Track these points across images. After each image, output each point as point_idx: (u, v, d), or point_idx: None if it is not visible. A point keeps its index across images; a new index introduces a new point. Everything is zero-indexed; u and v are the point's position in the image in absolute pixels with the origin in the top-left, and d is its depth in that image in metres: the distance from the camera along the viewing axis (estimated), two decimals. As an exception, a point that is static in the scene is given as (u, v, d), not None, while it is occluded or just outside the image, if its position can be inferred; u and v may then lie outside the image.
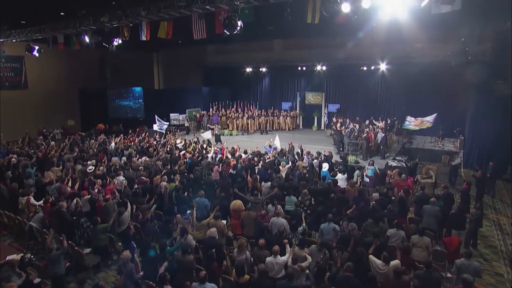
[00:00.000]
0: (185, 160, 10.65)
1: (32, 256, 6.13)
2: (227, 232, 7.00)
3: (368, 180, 9.40)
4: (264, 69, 20.52)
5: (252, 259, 5.79)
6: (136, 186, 8.53)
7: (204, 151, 12.01)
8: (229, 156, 11.18)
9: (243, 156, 11.14)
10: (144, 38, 9.70)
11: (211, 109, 19.91)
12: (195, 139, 13.92)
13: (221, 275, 5.55)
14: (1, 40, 11.94)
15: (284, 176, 9.31)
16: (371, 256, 5.40)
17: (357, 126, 14.92)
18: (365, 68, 17.70)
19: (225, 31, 7.32)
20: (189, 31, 8.90)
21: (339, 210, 7.36)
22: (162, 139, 14.42)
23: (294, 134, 18.10)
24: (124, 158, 10.39)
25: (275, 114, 19.65)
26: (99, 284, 4.89)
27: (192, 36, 9.03)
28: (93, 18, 8.84)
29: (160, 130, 16.02)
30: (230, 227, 7.43)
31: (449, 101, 15.34)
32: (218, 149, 12.10)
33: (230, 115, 19.37)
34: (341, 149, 13.75)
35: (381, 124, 15.07)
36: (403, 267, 5.17)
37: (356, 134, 13.56)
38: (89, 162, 9.90)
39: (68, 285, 5.82)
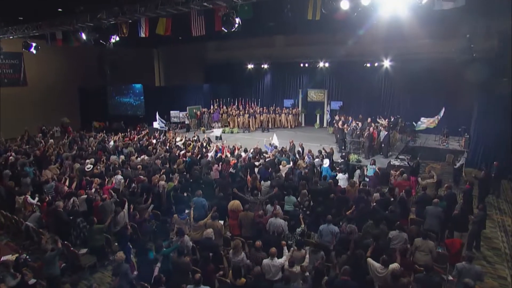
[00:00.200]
0: (184, 159, 10.55)
1: (27, 257, 6.09)
2: (224, 233, 6.91)
3: (368, 180, 9.25)
4: (265, 66, 20.31)
5: (248, 260, 5.69)
6: (133, 185, 8.45)
7: (204, 150, 11.90)
8: (229, 155, 11.07)
9: (243, 154, 11.02)
10: (143, 35, 9.58)
11: (212, 106, 19.77)
12: (195, 137, 13.82)
13: (217, 277, 5.46)
14: (-2, 36, 11.83)
15: (284, 175, 9.18)
16: (369, 259, 5.29)
17: (360, 124, 14.72)
18: (368, 65, 17.43)
19: (223, 28, 7.17)
20: (189, 28, 8.78)
21: (339, 211, 7.24)
22: (161, 136, 14.31)
23: (296, 132, 17.95)
24: (122, 157, 10.30)
25: (276, 112, 19.47)
26: (93, 287, 4.84)
27: (191, 33, 8.91)
28: (90, 14, 8.73)
29: (160, 128, 15.96)
30: (228, 228, 7.34)
31: (454, 99, 15.04)
32: (219, 148, 11.97)
33: (231, 113, 19.23)
34: (343, 147, 13.60)
35: (384, 122, 14.84)
36: (401, 268, 5.06)
37: (358, 132, 13.39)
38: (87, 161, 9.83)
39: (63, 286, 5.78)
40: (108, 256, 6.76)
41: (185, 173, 9.36)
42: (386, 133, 12.71)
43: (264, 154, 11.07)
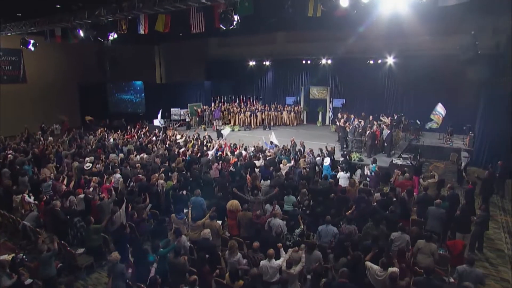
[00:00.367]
0: (183, 157, 10.47)
1: (24, 256, 6.06)
2: (223, 233, 6.84)
3: (369, 179, 9.12)
4: (267, 63, 20.12)
5: (245, 261, 5.62)
6: (132, 184, 8.39)
7: (204, 148, 11.80)
8: (229, 153, 10.98)
9: (243, 153, 10.92)
10: (142, 32, 9.50)
11: (213, 104, 19.64)
12: (196, 135, 13.73)
13: (213, 278, 5.38)
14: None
15: (284, 174, 9.07)
16: (367, 262, 5.19)
17: (362, 122, 14.55)
18: (371, 62, 17.21)
19: (221, 25, 7.06)
20: (188, 25, 8.68)
21: (339, 211, 7.13)
22: (161, 134, 14.22)
23: (298, 130, 17.81)
24: (121, 155, 10.25)
25: (278, 109, 19.31)
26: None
27: (190, 30, 8.81)
28: (88, 11, 8.65)
29: (161, 125, 15.89)
30: (227, 227, 7.26)
31: (459, 96, 14.77)
32: (221, 145, 11.85)
33: (232, 110, 19.11)
34: (345, 146, 13.45)
35: (387, 120, 14.64)
36: (398, 269, 4.98)
37: (360, 130, 13.22)
38: (86, 159, 9.78)
39: (59, 286, 5.74)
40: (105, 256, 6.68)
41: (184, 172, 9.27)
42: (389, 131, 12.54)
43: (266, 153, 10.95)
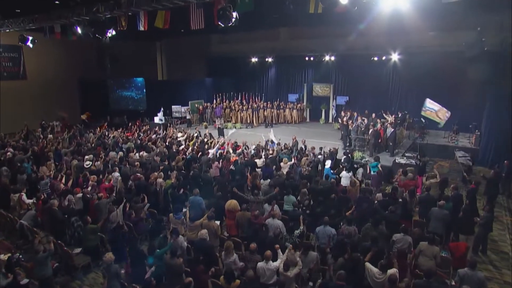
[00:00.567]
0: (183, 156, 10.38)
1: (20, 256, 6.02)
2: (221, 233, 6.75)
3: (371, 178, 8.97)
4: (269, 59, 19.92)
5: (242, 263, 5.54)
6: (130, 182, 8.32)
7: (206, 146, 11.70)
8: (231, 151, 10.88)
9: (245, 151, 10.81)
10: (142, 28, 9.38)
11: (214, 101, 19.50)
12: (197, 133, 13.63)
13: (209, 278, 5.30)
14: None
15: (285, 173, 8.95)
16: (367, 264, 5.09)
17: (365, 120, 14.34)
18: (375, 59, 16.96)
19: (219, 23, 6.92)
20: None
21: (339, 211, 7.01)
22: (161, 132, 14.13)
23: (300, 128, 17.65)
24: (121, 153, 10.19)
25: (281, 107, 19.13)
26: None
27: (189, 26, 8.68)
28: (86, 8, 8.55)
29: (161, 122, 15.79)
30: (225, 228, 7.18)
31: (465, 94, 14.47)
32: (223, 143, 11.73)
33: (234, 107, 18.96)
34: (347, 144, 13.29)
35: (391, 118, 14.40)
36: (396, 269, 4.90)
37: (363, 129, 13.03)
38: (86, 157, 9.72)
39: (56, 286, 5.70)
40: (102, 256, 6.64)
41: (183, 170, 9.19)
42: (393, 130, 12.33)
43: (267, 151, 10.82)
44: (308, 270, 5.40)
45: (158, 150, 10.66)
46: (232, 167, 9.51)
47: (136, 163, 9.32)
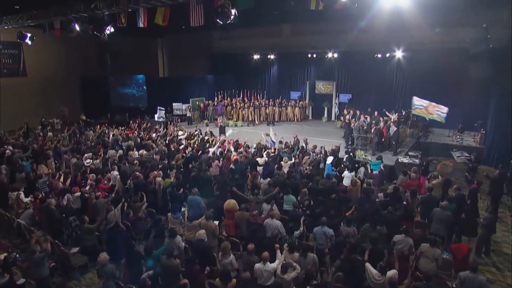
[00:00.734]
0: (183, 154, 10.29)
1: (17, 255, 5.98)
2: (219, 233, 6.68)
3: (373, 178, 8.84)
4: (272, 56, 19.76)
5: (238, 264, 5.46)
6: (129, 181, 8.26)
7: (206, 144, 11.60)
8: (232, 149, 10.78)
9: (244, 152, 10.69)
10: (141, 25, 9.31)
11: (216, 99, 19.37)
12: (197, 131, 13.54)
13: (205, 278, 5.22)
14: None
15: (286, 172, 8.84)
16: (367, 265, 5.00)
17: (368, 118, 14.15)
18: (379, 56, 16.72)
19: (218, 20, 6.81)
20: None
21: (339, 212, 6.90)
22: (161, 130, 14.05)
23: (302, 126, 17.50)
24: (120, 151, 10.13)
25: (283, 104, 18.96)
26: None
27: (189, 23, 8.58)
28: (84, 4, 8.46)
29: (162, 120, 15.70)
30: (224, 228, 7.10)
31: (470, 91, 14.18)
32: (223, 142, 11.63)
33: (235, 105, 18.82)
34: (349, 143, 13.14)
35: (394, 116, 14.20)
36: (396, 271, 4.81)
37: (365, 127, 12.86)
38: (86, 155, 9.68)
39: (52, 286, 5.67)
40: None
41: (182, 169, 9.11)
42: (396, 128, 12.15)
43: (268, 150, 10.71)
44: (305, 271, 5.30)
45: (157, 149, 10.58)
46: (232, 166, 9.42)
47: (135, 161, 9.25)
